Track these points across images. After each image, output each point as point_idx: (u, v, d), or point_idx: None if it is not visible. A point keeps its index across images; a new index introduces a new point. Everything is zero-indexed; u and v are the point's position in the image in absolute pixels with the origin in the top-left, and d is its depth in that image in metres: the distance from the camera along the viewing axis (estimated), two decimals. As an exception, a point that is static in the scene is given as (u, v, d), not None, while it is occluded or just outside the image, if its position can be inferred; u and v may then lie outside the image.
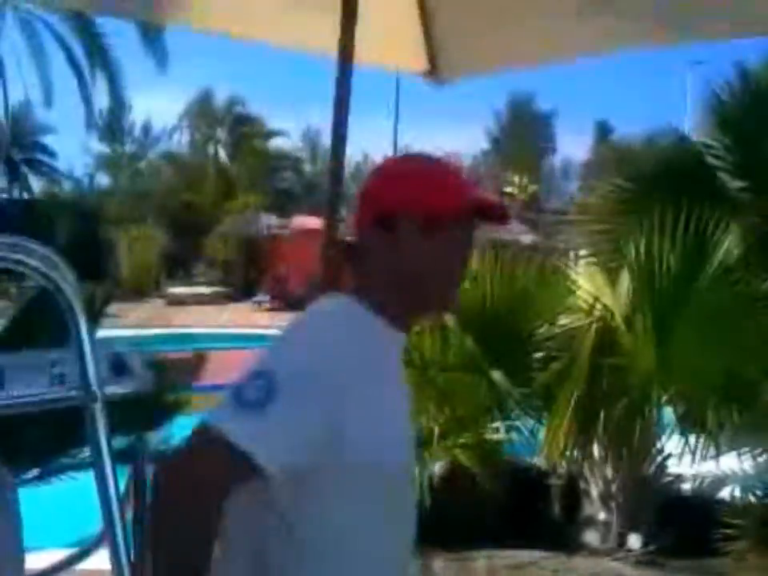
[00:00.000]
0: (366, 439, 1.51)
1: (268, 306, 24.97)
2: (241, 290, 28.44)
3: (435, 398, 5.52)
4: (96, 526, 1.76)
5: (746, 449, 4.87)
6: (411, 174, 1.69)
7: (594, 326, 5.14)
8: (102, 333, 3.29)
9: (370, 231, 1.64)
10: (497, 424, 5.65)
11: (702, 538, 4.52)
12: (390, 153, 33.23)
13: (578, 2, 3.12)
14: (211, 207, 35.51)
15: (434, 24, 3.51)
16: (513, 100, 48.62)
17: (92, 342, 1.13)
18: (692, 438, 4.97)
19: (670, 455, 5.21)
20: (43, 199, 33.31)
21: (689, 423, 5.02)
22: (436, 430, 5.36)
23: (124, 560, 1.17)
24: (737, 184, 5.72)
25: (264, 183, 39.87)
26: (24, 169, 36.93)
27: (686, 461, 5.04)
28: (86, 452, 4.29)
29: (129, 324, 16.31)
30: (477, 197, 1.67)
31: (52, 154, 38.47)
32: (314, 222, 22.18)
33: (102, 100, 29.05)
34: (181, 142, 43.12)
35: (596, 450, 5.14)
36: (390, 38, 3.50)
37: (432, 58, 3.60)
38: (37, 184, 37.58)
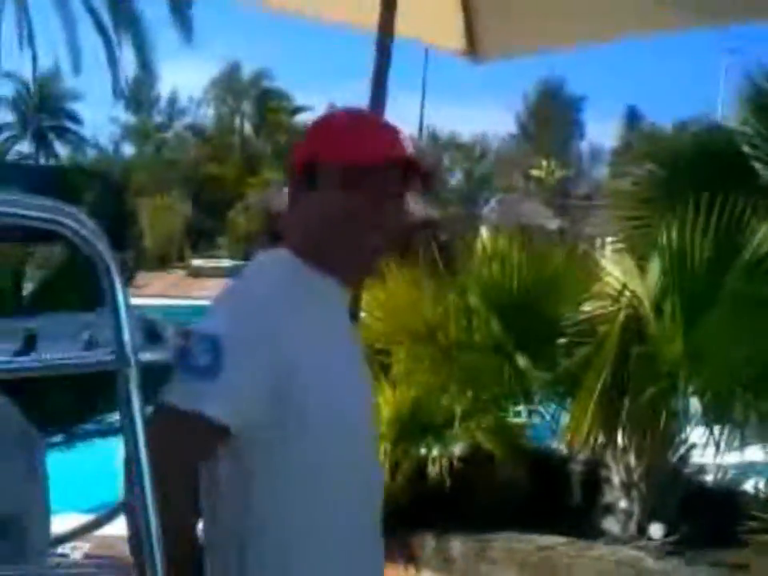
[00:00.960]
0: (316, 382, 1.53)
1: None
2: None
3: (458, 378, 5.49)
4: (111, 493, 1.77)
5: (772, 441, 4.83)
6: (336, 126, 1.70)
7: (622, 312, 5.08)
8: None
9: (297, 182, 1.66)
10: (519, 408, 5.62)
11: (723, 530, 4.48)
12: (415, 131, 33.13)
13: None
14: (235, 181, 35.56)
15: (474, 1, 3.47)
16: (542, 84, 48.32)
17: (128, 307, 1.10)
18: (717, 429, 4.92)
19: (694, 445, 5.16)
20: (69, 166, 33.47)
21: (715, 413, 4.97)
22: (458, 410, 5.34)
23: (153, 528, 1.15)
24: (773, 173, 5.63)
25: (288, 159, 39.89)
26: (51, 135, 37.05)
27: (710, 451, 5.00)
28: (109, 419, 4.32)
29: (151, 293, 16.34)
30: (396, 153, 1.61)
31: (79, 122, 38.61)
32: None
33: (129, 69, 29.13)
34: (207, 114, 43.18)
35: (619, 437, 5.09)
36: (430, 15, 3.46)
37: (470, 36, 3.55)
38: (63, 151, 37.73)
